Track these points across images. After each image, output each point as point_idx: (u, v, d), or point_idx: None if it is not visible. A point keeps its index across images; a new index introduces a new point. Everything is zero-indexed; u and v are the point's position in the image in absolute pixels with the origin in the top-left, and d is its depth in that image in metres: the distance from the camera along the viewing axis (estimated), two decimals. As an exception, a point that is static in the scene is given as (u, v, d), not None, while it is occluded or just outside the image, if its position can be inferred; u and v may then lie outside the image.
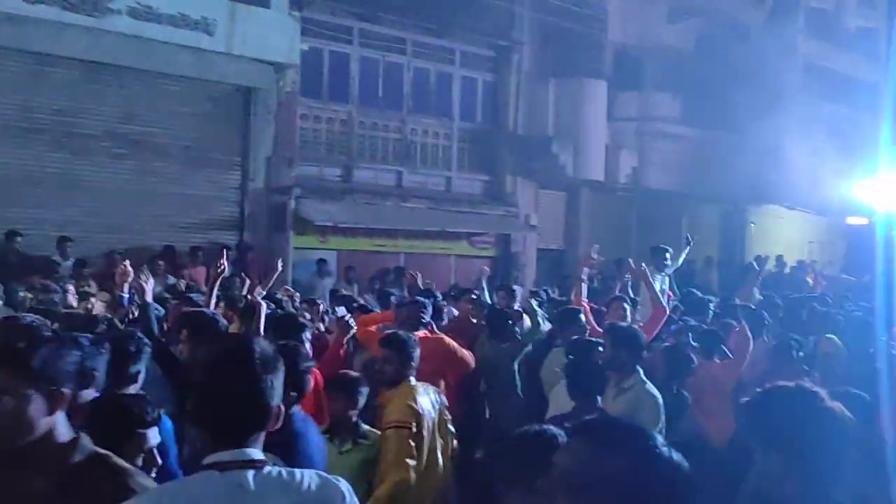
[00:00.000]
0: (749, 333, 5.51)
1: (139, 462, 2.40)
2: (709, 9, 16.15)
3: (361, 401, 3.79)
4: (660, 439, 1.34)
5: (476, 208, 14.04)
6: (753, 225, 18.07)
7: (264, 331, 4.29)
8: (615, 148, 15.26)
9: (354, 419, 3.78)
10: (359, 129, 13.08)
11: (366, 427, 3.83)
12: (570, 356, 4.48)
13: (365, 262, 12.58)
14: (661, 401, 4.21)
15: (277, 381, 1.88)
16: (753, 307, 6.73)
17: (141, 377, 3.38)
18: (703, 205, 17.33)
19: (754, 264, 9.80)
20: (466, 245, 14.09)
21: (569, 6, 13.84)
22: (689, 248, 9.13)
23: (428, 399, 3.98)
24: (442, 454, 4.01)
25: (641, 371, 4.36)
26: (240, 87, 11.32)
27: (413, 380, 4.02)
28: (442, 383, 4.85)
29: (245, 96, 11.43)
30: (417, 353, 4.07)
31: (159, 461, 2.54)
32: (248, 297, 5.59)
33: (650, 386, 4.29)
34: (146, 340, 3.50)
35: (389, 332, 4.37)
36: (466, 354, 5.41)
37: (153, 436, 2.55)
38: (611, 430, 1.39)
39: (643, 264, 6.51)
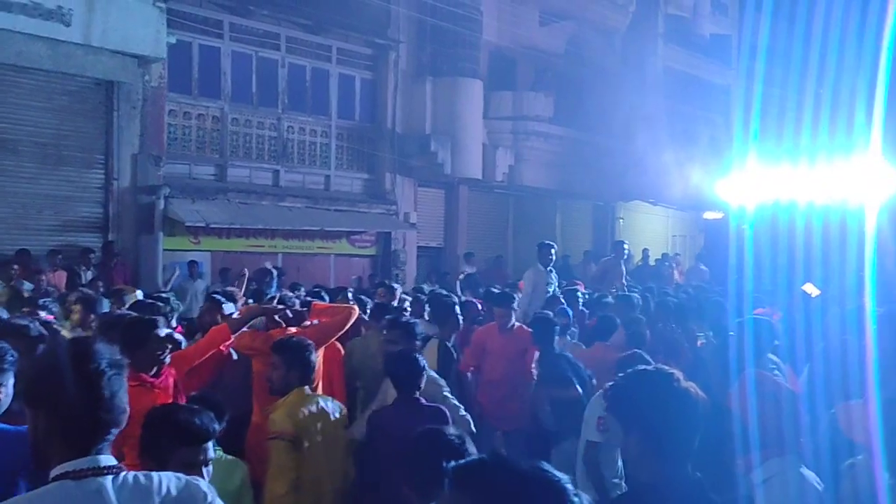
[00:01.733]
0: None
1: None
2: (577, 13, 16.83)
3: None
4: (569, 482, 1.18)
5: (355, 207, 13.99)
6: (622, 220, 19.01)
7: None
8: (492, 146, 15.62)
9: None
10: (232, 126, 12.72)
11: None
12: (389, 348, 4.56)
13: (241, 263, 12.23)
14: None
15: (121, 383, 1.82)
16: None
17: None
18: (576, 201, 18.08)
19: (623, 244, 10.79)
20: (346, 244, 14.02)
21: (444, 6, 14.02)
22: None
23: (319, 408, 3.81)
24: (337, 463, 3.86)
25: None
26: (101, 80, 10.73)
27: (307, 389, 3.87)
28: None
29: (107, 91, 10.84)
30: (311, 359, 3.92)
31: None
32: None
33: None
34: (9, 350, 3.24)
35: (282, 337, 4.23)
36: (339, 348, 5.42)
37: None
38: (515, 476, 1.19)
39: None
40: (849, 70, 13.46)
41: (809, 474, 2.57)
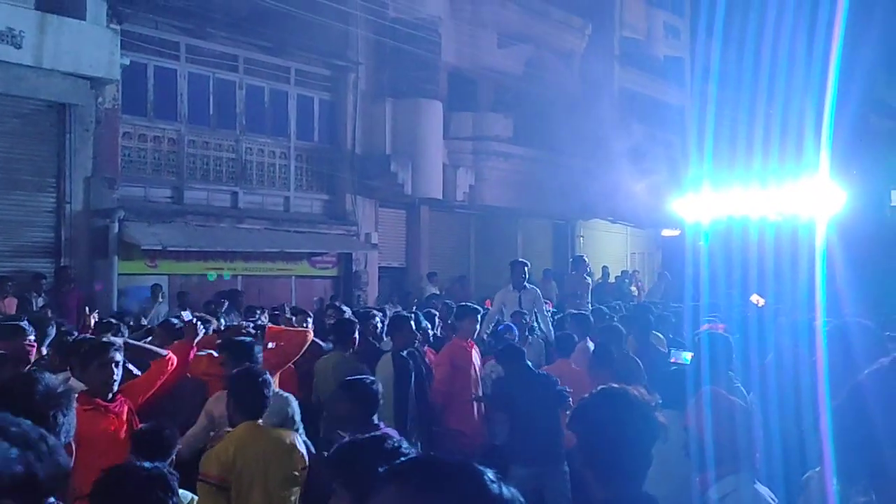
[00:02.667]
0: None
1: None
2: (535, 35, 17.08)
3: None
4: (490, 474, 1.19)
5: (316, 228, 13.90)
6: (582, 238, 19.21)
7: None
8: (452, 166, 15.68)
9: None
10: (189, 147, 12.57)
11: None
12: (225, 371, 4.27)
13: (199, 286, 12.07)
14: None
15: (68, 417, 1.76)
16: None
17: None
18: (536, 220, 18.23)
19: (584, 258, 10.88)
20: (307, 265, 13.90)
21: (403, 28, 14.11)
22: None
23: (270, 445, 3.55)
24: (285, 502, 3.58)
25: None
26: (53, 103, 10.53)
27: (259, 422, 3.61)
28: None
29: (59, 113, 10.63)
30: (262, 391, 3.61)
31: None
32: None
33: None
34: None
35: (235, 370, 3.97)
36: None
37: None
38: (435, 469, 1.22)
39: None
40: (797, 93, 13.90)
41: (764, 490, 2.59)
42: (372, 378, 3.91)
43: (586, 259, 11.40)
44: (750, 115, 15.64)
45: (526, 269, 8.61)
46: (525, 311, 7.97)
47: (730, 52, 15.58)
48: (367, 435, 2.42)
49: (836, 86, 11.63)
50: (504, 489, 1.17)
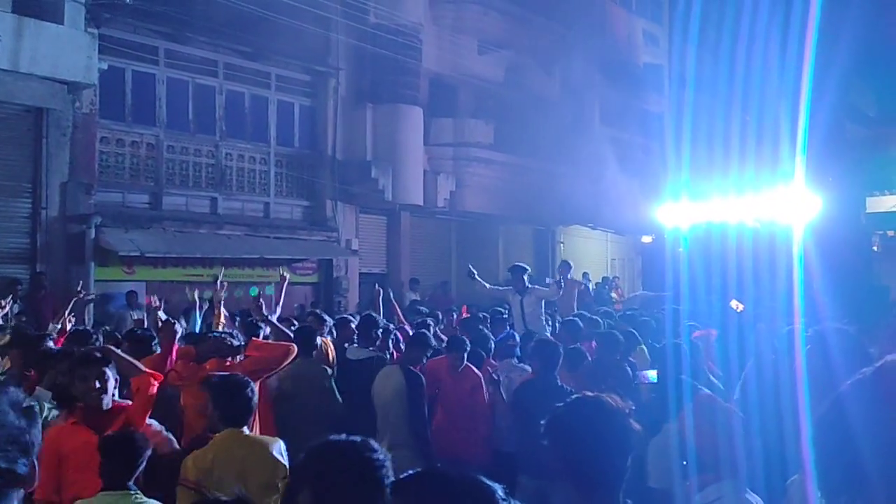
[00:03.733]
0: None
1: None
2: (516, 42, 17.15)
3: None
4: (500, 491, 1.20)
5: (296, 234, 13.82)
6: (562, 244, 19.29)
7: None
8: (433, 173, 15.68)
9: None
10: (168, 153, 12.45)
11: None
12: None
13: (178, 293, 11.93)
14: None
15: (33, 431, 1.70)
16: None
17: None
18: (517, 226, 18.27)
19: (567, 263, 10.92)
20: (287, 272, 13.77)
21: (384, 34, 14.10)
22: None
23: (250, 453, 3.52)
24: None
25: None
26: (29, 107, 10.38)
27: (244, 430, 3.59)
28: None
29: (36, 118, 10.49)
30: (243, 397, 3.60)
31: None
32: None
33: None
34: None
35: (210, 374, 3.99)
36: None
37: None
38: (445, 485, 1.23)
39: None
40: (771, 101, 14.06)
41: (755, 500, 2.57)
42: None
43: (570, 263, 11.48)
44: (726, 123, 15.81)
45: (526, 274, 8.59)
46: (526, 313, 8.00)
47: (705, 59, 15.75)
48: (343, 438, 2.35)
49: (809, 94, 11.81)
50: None
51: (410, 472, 1.35)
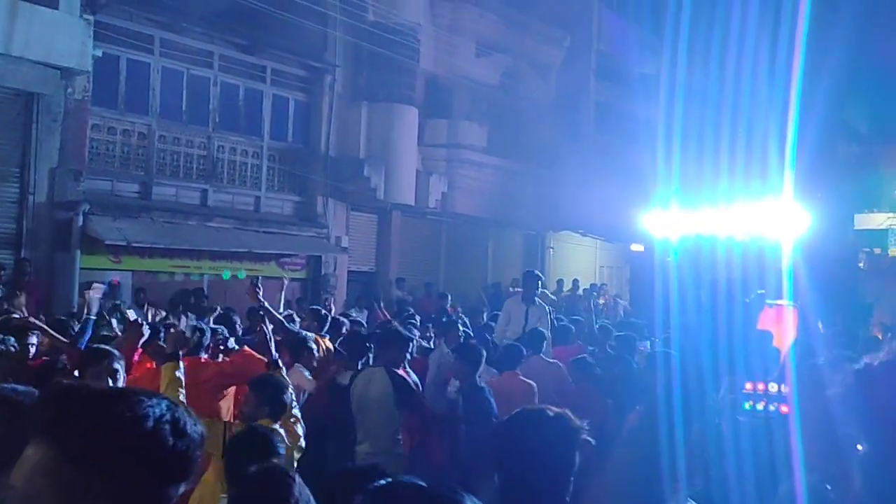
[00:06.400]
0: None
1: None
2: (513, 46, 17.16)
3: None
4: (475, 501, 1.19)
5: (286, 229, 13.75)
6: (552, 250, 19.30)
7: None
8: (426, 173, 15.66)
9: None
10: (159, 143, 12.35)
11: None
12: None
13: (165, 284, 11.85)
14: None
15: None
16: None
17: None
18: (507, 230, 18.27)
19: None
20: (275, 267, 13.73)
21: (382, 33, 14.06)
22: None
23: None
24: None
25: None
26: (20, 91, 10.26)
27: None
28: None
29: (27, 102, 10.37)
30: (273, 394, 4.01)
31: None
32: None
33: None
34: None
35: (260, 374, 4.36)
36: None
37: None
38: (419, 497, 1.20)
39: None
40: (760, 115, 14.15)
41: None
42: None
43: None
44: (716, 135, 15.88)
45: (539, 282, 8.11)
46: (529, 323, 7.56)
47: (696, 71, 15.82)
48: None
49: (798, 109, 11.88)
50: None
51: (383, 481, 1.33)
